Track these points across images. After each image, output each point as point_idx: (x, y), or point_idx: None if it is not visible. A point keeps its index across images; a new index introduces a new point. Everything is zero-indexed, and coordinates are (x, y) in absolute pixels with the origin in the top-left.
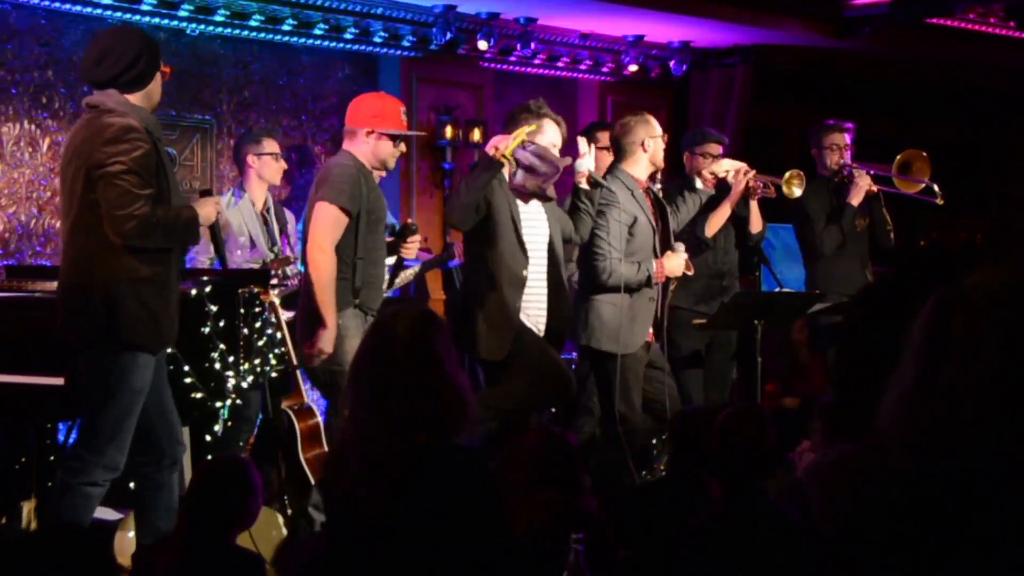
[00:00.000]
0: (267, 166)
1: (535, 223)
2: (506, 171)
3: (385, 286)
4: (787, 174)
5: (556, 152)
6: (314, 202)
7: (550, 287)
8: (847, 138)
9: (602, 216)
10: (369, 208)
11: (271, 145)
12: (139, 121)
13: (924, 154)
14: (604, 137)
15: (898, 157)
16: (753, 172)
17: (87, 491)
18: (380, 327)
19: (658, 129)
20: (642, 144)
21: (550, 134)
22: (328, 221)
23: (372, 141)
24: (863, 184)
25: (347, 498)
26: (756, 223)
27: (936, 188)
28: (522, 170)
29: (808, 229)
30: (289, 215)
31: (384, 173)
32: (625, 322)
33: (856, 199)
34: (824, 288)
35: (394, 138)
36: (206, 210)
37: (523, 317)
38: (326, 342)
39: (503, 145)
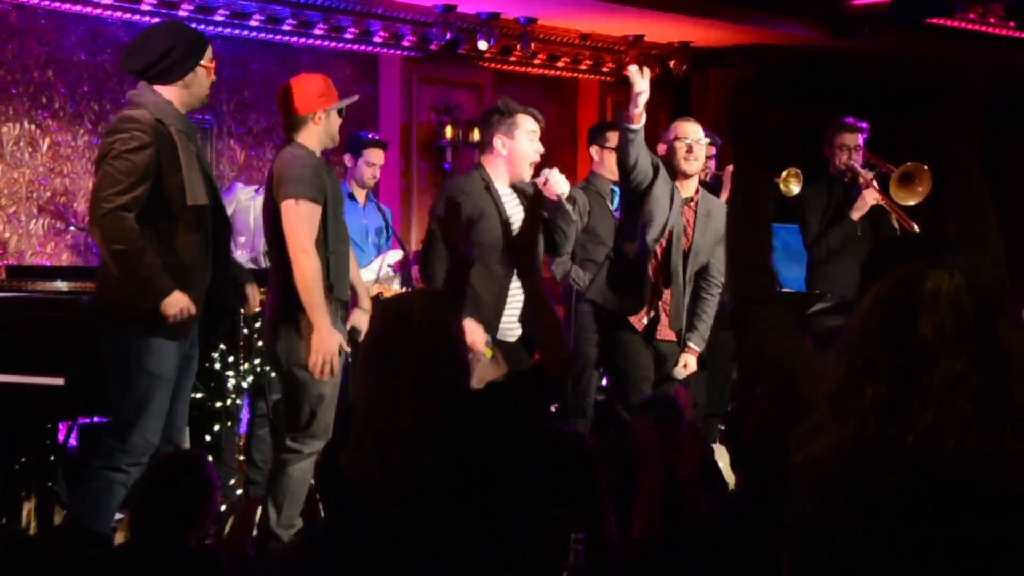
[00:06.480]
0: None
1: (515, 214)
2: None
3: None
4: (784, 172)
5: (536, 139)
6: (278, 201)
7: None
8: (859, 139)
9: None
10: (333, 197)
11: None
12: (156, 115)
13: (926, 168)
14: (613, 137)
15: (905, 166)
16: None
17: (108, 475)
18: (397, 303)
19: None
20: None
21: (526, 125)
22: (302, 219)
23: (322, 121)
24: (869, 200)
25: (362, 478)
26: None
27: (916, 227)
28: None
29: (804, 231)
30: None
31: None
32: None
33: (857, 214)
34: (822, 289)
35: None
36: (173, 301)
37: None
38: (326, 349)
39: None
